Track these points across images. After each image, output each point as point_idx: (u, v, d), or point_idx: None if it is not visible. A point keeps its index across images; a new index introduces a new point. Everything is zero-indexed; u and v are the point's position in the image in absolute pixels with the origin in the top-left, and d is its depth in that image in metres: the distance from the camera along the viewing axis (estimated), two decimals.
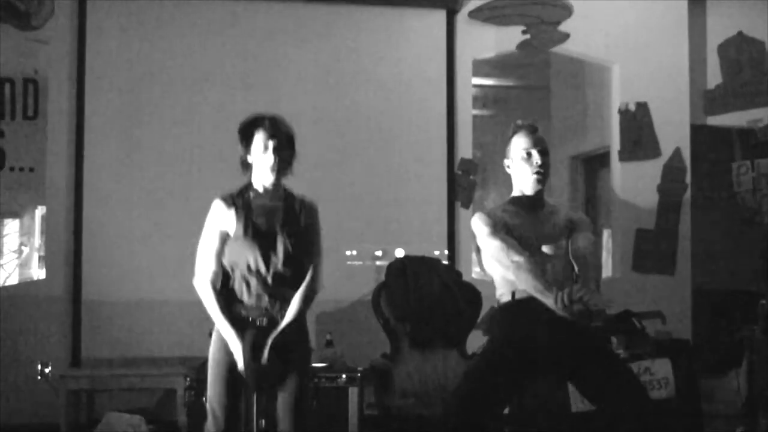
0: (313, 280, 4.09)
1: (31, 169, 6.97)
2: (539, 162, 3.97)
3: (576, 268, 3.92)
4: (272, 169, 4.02)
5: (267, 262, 4.01)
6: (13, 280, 7.60)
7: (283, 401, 4.03)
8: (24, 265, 7.94)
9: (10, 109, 6.93)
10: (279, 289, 4.04)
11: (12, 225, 7.89)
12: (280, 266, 4.02)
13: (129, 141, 6.91)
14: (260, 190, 4.07)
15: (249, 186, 4.10)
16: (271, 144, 4.01)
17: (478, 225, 3.96)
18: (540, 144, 4.00)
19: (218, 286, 4.04)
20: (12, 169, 6.92)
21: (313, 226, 4.15)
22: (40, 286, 6.92)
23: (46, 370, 6.17)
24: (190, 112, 6.97)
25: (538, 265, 3.83)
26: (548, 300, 3.69)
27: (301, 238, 4.09)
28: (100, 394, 6.56)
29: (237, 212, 4.02)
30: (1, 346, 6.56)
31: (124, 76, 6.94)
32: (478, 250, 4.11)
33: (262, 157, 4.02)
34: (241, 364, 3.94)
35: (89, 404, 6.61)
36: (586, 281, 3.81)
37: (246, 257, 4.01)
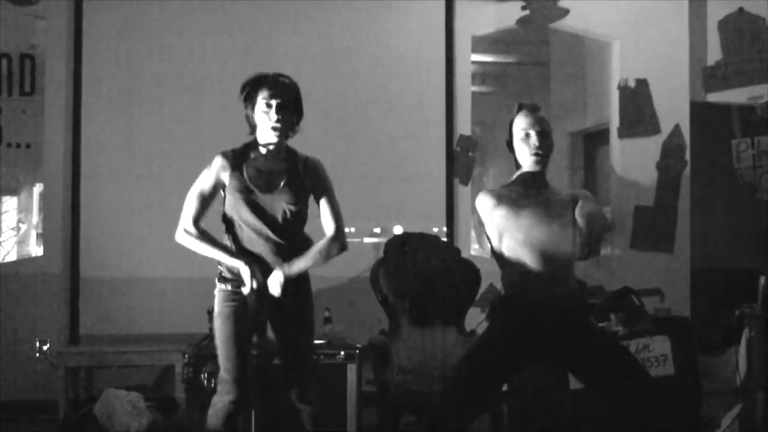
0: (337, 234, 4.09)
1: (28, 146, 6.95)
2: (536, 144, 3.97)
3: (581, 227, 3.89)
4: (275, 129, 3.98)
5: (265, 225, 4.00)
6: (11, 257, 7.61)
7: (288, 342, 4.05)
8: (22, 242, 7.95)
9: (7, 84, 6.89)
10: (275, 252, 4.03)
11: (10, 202, 7.88)
12: (277, 230, 4.01)
13: (127, 117, 6.88)
14: (263, 150, 4.05)
15: (251, 144, 4.07)
16: (274, 102, 3.98)
17: (483, 202, 3.95)
18: (539, 125, 3.99)
19: (200, 225, 4.02)
20: (9, 145, 6.90)
21: (322, 184, 4.12)
22: (38, 263, 6.91)
23: (45, 347, 6.16)
24: (190, 88, 6.94)
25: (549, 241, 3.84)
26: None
27: (303, 200, 4.08)
28: (98, 371, 6.57)
29: (236, 171, 4.00)
30: (0, 323, 6.56)
31: (122, 52, 6.90)
32: (480, 228, 4.11)
33: (264, 116, 3.98)
34: (248, 284, 3.93)
35: (88, 381, 6.62)
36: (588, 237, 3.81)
37: (244, 217, 4.00)
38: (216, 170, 4.05)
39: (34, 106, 6.94)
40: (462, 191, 7.24)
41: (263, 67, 4.15)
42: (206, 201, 4.04)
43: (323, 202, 4.12)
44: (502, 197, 3.94)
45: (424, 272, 5.95)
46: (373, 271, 6.00)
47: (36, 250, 7.67)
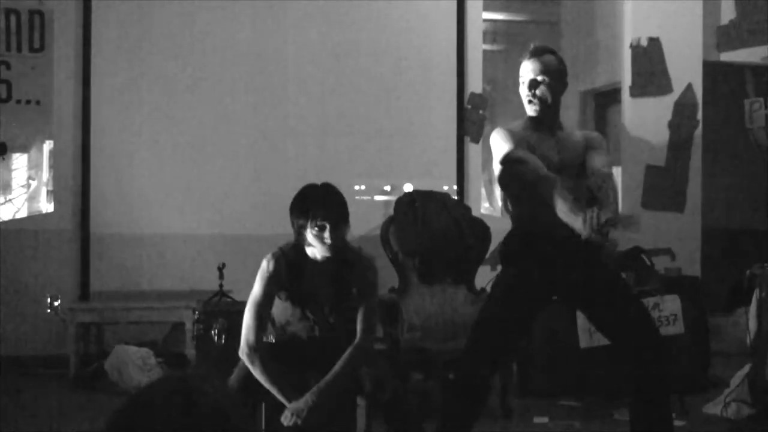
0: (363, 343, 3.94)
1: (38, 102, 6.93)
2: (527, 91, 3.91)
3: (594, 189, 3.78)
4: (330, 247, 3.82)
5: (312, 334, 3.95)
6: (22, 214, 7.60)
7: None
8: (32, 198, 7.93)
9: (16, 41, 6.86)
10: (320, 359, 3.96)
11: (20, 159, 7.87)
12: (324, 331, 3.95)
13: (136, 73, 6.86)
14: (314, 259, 3.90)
15: (303, 251, 3.92)
16: (328, 224, 3.80)
17: (497, 141, 3.86)
18: (535, 72, 3.91)
19: (263, 347, 3.87)
20: (18, 101, 6.87)
21: (366, 289, 3.98)
22: (48, 220, 6.92)
23: (56, 303, 6.20)
24: (198, 42, 6.91)
25: (564, 183, 3.67)
26: (576, 222, 3.50)
27: (350, 307, 3.99)
28: (109, 327, 6.60)
29: (287, 277, 3.90)
30: (11, 279, 6.59)
31: (132, 6, 6.87)
32: (490, 186, 4.06)
33: (318, 235, 3.79)
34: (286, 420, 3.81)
35: (98, 337, 6.65)
36: (608, 204, 3.68)
37: (293, 328, 3.95)
38: (269, 277, 3.90)
39: (44, 63, 6.91)
40: (473, 149, 7.22)
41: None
42: (265, 312, 3.92)
43: (361, 307, 4.03)
44: (518, 135, 3.87)
45: (433, 230, 5.95)
46: (383, 229, 6.00)
47: (46, 206, 7.65)
